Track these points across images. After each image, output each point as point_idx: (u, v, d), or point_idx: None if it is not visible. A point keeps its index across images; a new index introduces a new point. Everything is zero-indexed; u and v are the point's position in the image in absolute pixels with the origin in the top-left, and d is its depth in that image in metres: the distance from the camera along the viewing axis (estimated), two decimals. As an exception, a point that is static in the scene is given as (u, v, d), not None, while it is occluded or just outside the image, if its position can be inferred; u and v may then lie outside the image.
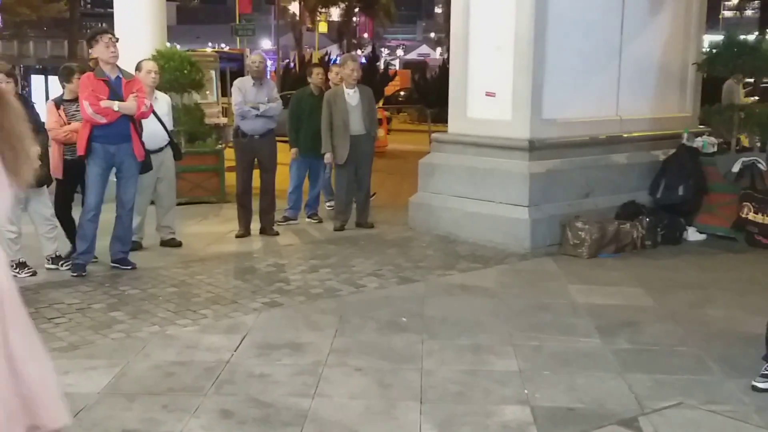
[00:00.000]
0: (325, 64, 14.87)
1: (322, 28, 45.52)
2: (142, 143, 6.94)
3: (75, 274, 6.68)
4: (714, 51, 8.91)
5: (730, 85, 11.82)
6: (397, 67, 41.46)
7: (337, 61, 11.47)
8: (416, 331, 5.45)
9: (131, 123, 6.77)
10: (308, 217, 9.23)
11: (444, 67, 8.49)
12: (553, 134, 8.06)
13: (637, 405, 4.30)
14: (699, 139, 8.73)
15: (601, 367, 4.84)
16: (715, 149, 8.69)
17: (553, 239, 7.75)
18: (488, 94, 8.24)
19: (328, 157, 8.65)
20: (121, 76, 6.77)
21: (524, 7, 7.80)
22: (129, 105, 6.66)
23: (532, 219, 7.74)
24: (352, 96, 8.61)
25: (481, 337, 5.34)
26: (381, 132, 12.86)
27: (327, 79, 9.40)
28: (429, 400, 4.33)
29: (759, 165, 8.12)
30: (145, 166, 7.08)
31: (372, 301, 6.18)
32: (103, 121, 6.59)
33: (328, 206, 9.51)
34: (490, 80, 8.23)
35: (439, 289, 6.52)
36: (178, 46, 14.68)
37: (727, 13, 61.45)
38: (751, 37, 9.33)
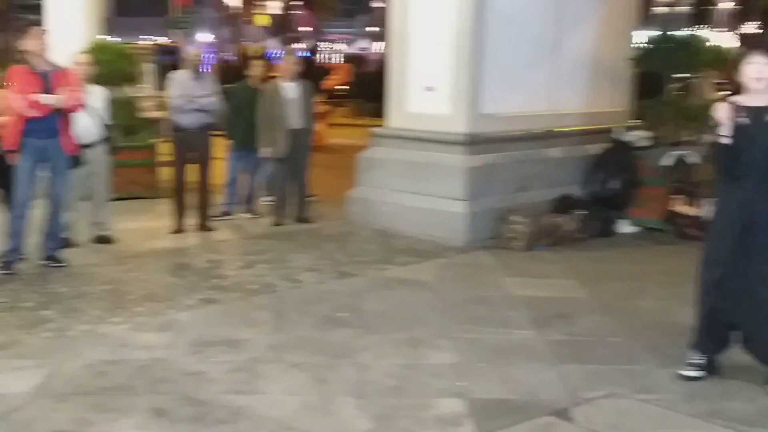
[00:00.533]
0: (264, 57, 14.77)
1: (263, 21, 45.18)
2: (74, 137, 6.79)
3: (3, 272, 6.50)
4: (648, 46, 9.08)
5: (697, 83, 12.11)
6: (338, 61, 41.36)
7: (275, 55, 11.38)
8: (354, 325, 5.45)
9: (62, 117, 6.62)
10: (245, 212, 9.15)
11: (383, 62, 8.52)
12: (491, 129, 8.13)
13: (570, 395, 4.37)
14: (632, 133, 8.89)
15: (535, 359, 4.90)
16: (648, 143, 8.87)
17: (490, 233, 7.82)
18: (427, 89, 8.27)
19: (266, 152, 8.58)
20: (51, 68, 6.61)
21: (464, 2, 7.84)
22: (62, 98, 6.50)
23: (469, 213, 7.80)
24: (290, 90, 8.55)
25: (419, 330, 5.37)
26: (320, 126, 12.81)
27: (266, 73, 9.32)
28: (365, 394, 4.34)
29: (689, 158, 8.32)
30: (78, 161, 6.93)
31: (309, 296, 6.16)
32: (36, 114, 6.43)
33: (266, 201, 9.44)
34: (429, 75, 8.26)
35: (377, 283, 6.53)
36: (118, 39, 14.38)
37: (661, 9, 62.74)
38: (684, 33, 9.53)
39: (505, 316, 5.73)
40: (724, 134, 4.43)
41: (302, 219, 8.77)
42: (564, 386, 4.49)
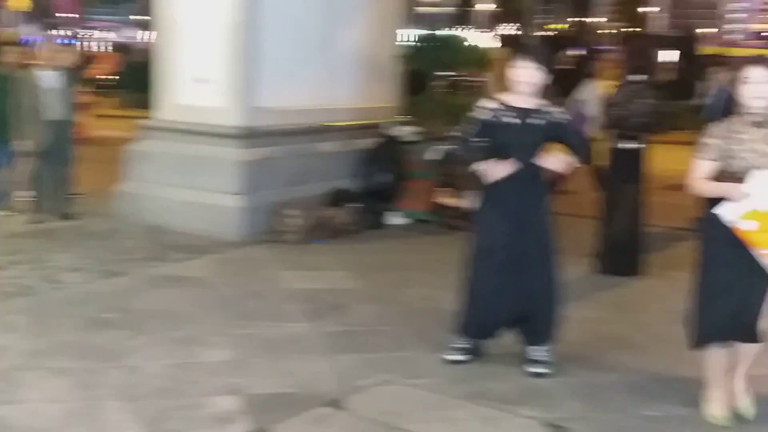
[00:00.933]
0: (20, 43, 13.77)
1: (20, 4, 42.22)
2: None
3: None
4: (414, 44, 9.42)
5: (588, 84, 12.86)
6: (104, 50, 39.56)
7: (33, 42, 10.64)
8: (122, 326, 5.23)
9: None
10: None
11: (152, 51, 8.20)
12: (266, 122, 8.08)
13: (343, 385, 4.45)
14: (401, 128, 9.20)
15: (309, 351, 4.95)
16: (416, 138, 9.21)
17: (266, 227, 7.79)
18: (199, 80, 8.08)
19: (22, 145, 8.01)
20: None
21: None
22: None
23: (244, 207, 7.73)
24: (49, 79, 8.04)
25: (191, 328, 5.25)
26: (84, 118, 12.14)
27: (22, 60, 8.69)
28: (135, 397, 4.18)
29: (454, 153, 8.72)
30: None
31: (73, 297, 5.84)
32: None
33: (23, 197, 8.80)
34: (201, 66, 8.08)
35: (146, 281, 6.31)
36: None
37: (426, 9, 65.43)
38: (447, 33, 9.99)
39: (280, 309, 5.73)
40: (483, 129, 4.67)
41: (65, 216, 8.28)
42: (338, 376, 4.57)
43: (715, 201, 4.04)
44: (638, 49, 7.79)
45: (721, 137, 4.00)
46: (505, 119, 4.62)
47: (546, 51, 4.93)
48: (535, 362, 4.72)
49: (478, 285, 4.76)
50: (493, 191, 4.69)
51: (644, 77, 7.23)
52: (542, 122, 4.61)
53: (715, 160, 3.99)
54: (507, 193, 4.64)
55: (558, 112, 4.72)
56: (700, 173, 4.05)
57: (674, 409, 4.32)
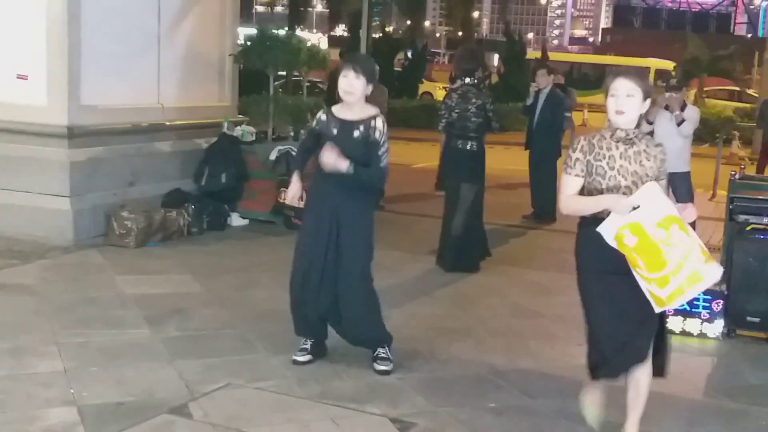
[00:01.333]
0: None
1: None
2: None
3: None
4: (248, 44, 9.31)
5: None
6: None
7: None
8: (-58, 339, 4.87)
9: None
10: None
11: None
12: (94, 121, 7.76)
13: (187, 391, 4.35)
14: (238, 128, 9.08)
15: (150, 357, 4.80)
16: (254, 138, 9.13)
17: (99, 230, 7.49)
18: (20, 77, 7.65)
19: None
20: None
21: (56, -13, 7.38)
22: None
23: (74, 210, 7.40)
24: None
25: (22, 338, 4.97)
26: None
27: None
28: (-40, 415, 3.90)
29: (293, 152, 8.71)
30: None
31: None
32: None
33: None
34: (21, 62, 7.64)
35: (-31, 290, 5.91)
36: None
37: (260, 8, 65.00)
38: (282, 32, 9.93)
39: (118, 316, 5.52)
40: (310, 136, 4.72)
41: None
42: (181, 382, 4.46)
43: (589, 223, 3.70)
44: (469, 52, 8.05)
45: (588, 152, 3.72)
46: (330, 130, 4.69)
47: (368, 59, 5.04)
48: (377, 360, 4.79)
49: (293, 285, 4.83)
50: (312, 196, 4.81)
51: (474, 80, 7.47)
52: (359, 137, 4.65)
53: (580, 175, 3.72)
54: (323, 197, 4.72)
55: (377, 131, 4.66)
56: (569, 189, 3.74)
57: (514, 400, 4.50)
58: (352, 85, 4.61)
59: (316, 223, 4.72)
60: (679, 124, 8.00)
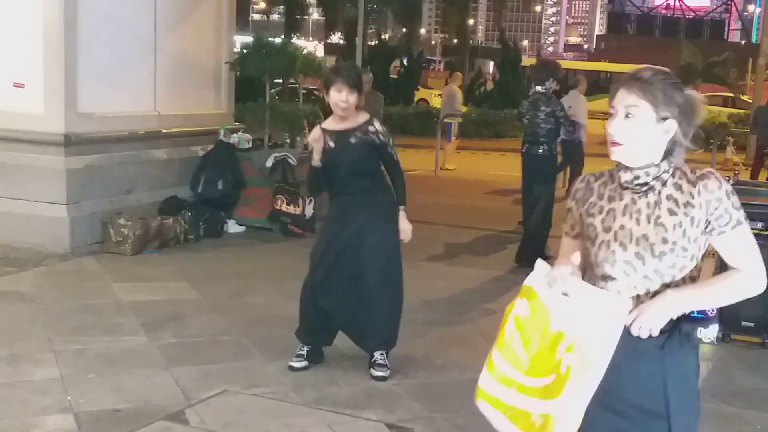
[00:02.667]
0: None
1: None
2: None
3: None
4: (244, 51, 9.34)
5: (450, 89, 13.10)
6: None
7: None
8: (-61, 347, 4.87)
9: None
10: None
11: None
12: (91, 129, 7.77)
13: (183, 398, 4.36)
14: (235, 135, 9.10)
15: (147, 364, 4.81)
16: (250, 145, 9.15)
17: (95, 237, 7.50)
18: (17, 85, 7.67)
19: None
20: None
21: (52, -5, 7.40)
22: None
23: (71, 217, 7.40)
24: None
25: (19, 346, 4.97)
26: None
27: None
28: (-43, 422, 3.91)
29: (289, 159, 8.75)
30: None
31: None
32: None
33: None
34: (18, 70, 7.66)
35: (-35, 298, 5.92)
36: None
37: (256, 16, 65.10)
38: (278, 40, 9.96)
39: (114, 323, 5.53)
40: (315, 158, 4.74)
41: None
42: (177, 389, 4.47)
43: None
44: (542, 63, 8.40)
45: (582, 201, 2.45)
46: (327, 144, 4.72)
47: (354, 68, 5.12)
48: (374, 365, 4.81)
49: (305, 292, 4.85)
50: (331, 205, 4.91)
51: (544, 89, 7.67)
52: (356, 140, 4.71)
53: (570, 234, 2.48)
54: (342, 207, 4.81)
55: (380, 134, 4.74)
56: (561, 251, 2.50)
57: (509, 404, 4.51)
58: (348, 100, 4.67)
59: (331, 237, 4.76)
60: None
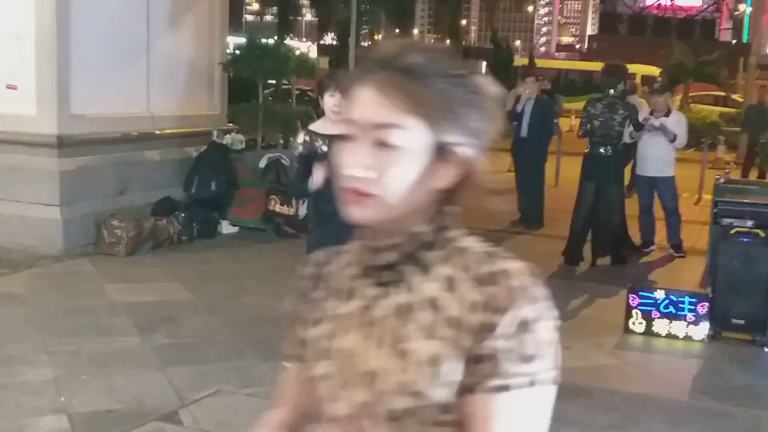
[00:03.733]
0: None
1: None
2: None
3: None
4: (237, 52, 9.36)
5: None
6: None
7: None
8: (-68, 349, 4.88)
9: None
10: None
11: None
12: (84, 130, 7.78)
13: (177, 398, 4.37)
14: (228, 136, 9.12)
15: (140, 365, 4.82)
16: (243, 146, 9.17)
17: (89, 239, 7.51)
18: (9, 87, 7.67)
19: None
20: None
21: (45, -3, 7.41)
22: None
23: (64, 219, 7.41)
24: None
25: (12, 347, 4.98)
26: None
27: None
28: (-49, 423, 3.92)
29: (282, 160, 8.77)
30: None
31: None
32: None
33: None
34: (10, 72, 7.66)
35: (-41, 300, 5.92)
36: None
37: (249, 17, 65.02)
38: (271, 41, 9.99)
39: (108, 324, 5.54)
40: (301, 162, 4.77)
41: None
42: (171, 389, 4.48)
43: None
44: (612, 67, 8.35)
45: (301, 296, 1.45)
46: (318, 148, 4.74)
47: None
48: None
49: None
50: (321, 209, 4.84)
51: (617, 92, 7.79)
52: None
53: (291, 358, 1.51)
54: (333, 211, 4.75)
55: None
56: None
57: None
58: (340, 105, 4.67)
59: (324, 238, 4.76)
60: (672, 140, 8.19)
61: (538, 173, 10.00)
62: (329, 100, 4.69)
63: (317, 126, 4.84)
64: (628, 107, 7.82)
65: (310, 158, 4.77)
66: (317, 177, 4.67)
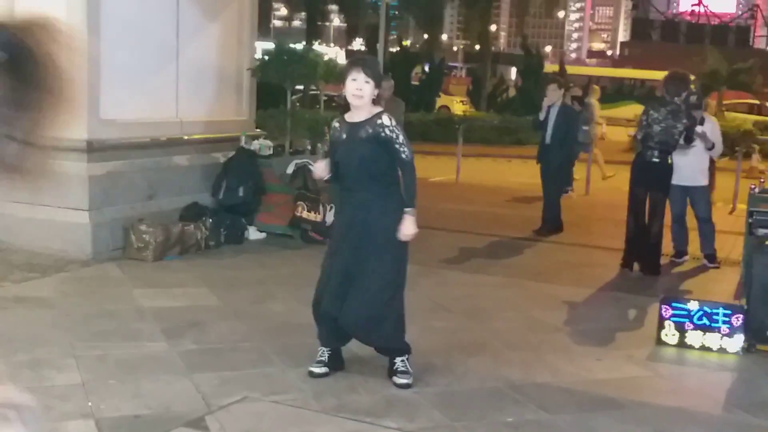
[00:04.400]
0: None
1: None
2: None
3: None
4: (266, 58, 9.37)
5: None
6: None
7: None
8: (-39, 352, 4.90)
9: None
10: None
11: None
12: (113, 135, 7.81)
13: (204, 404, 4.35)
14: (256, 142, 9.12)
15: (167, 370, 4.81)
16: (271, 152, 9.17)
17: (117, 243, 7.53)
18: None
19: None
20: None
21: (75, 1, 7.45)
22: None
23: (93, 223, 7.44)
24: None
25: (40, 351, 4.99)
26: None
27: None
28: (-21, 427, 3.92)
29: (310, 166, 8.74)
30: None
31: None
32: None
33: None
34: (41, 77, 7.71)
35: (-12, 303, 5.95)
36: None
37: (278, 23, 65.35)
38: (300, 47, 9.99)
39: (135, 329, 5.54)
40: (329, 149, 4.75)
41: None
42: (198, 395, 4.46)
43: None
44: (678, 75, 8.14)
45: None
46: (340, 136, 4.71)
47: (374, 62, 5.01)
48: (396, 373, 4.77)
49: (317, 293, 4.86)
50: (339, 204, 4.86)
51: (682, 100, 7.69)
52: (366, 135, 4.62)
53: None
54: (347, 206, 4.76)
55: (386, 128, 4.61)
56: None
57: (531, 415, 4.47)
58: (362, 89, 4.58)
59: (340, 235, 4.74)
60: (709, 149, 8.09)
61: (559, 179, 10.04)
62: (350, 85, 4.59)
63: (347, 115, 4.76)
64: (690, 117, 7.69)
65: (335, 144, 4.75)
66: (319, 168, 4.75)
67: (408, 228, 4.62)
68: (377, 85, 4.63)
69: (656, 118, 7.64)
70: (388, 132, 4.60)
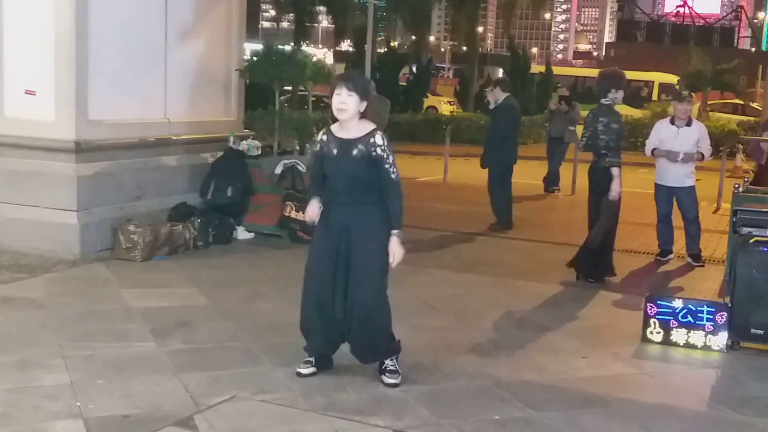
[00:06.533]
0: None
1: None
2: None
3: None
4: (254, 59, 9.38)
5: None
6: None
7: None
8: (-50, 352, 4.90)
9: None
10: None
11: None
12: (101, 136, 7.82)
13: (192, 403, 4.37)
14: (244, 142, 9.13)
15: (156, 370, 4.82)
16: (260, 152, 9.18)
17: (105, 244, 7.54)
18: (28, 92, 7.72)
19: None
20: None
21: (63, 3, 7.44)
22: None
23: (81, 224, 7.44)
24: None
25: (28, 351, 5.00)
26: None
27: None
28: (-33, 427, 3.93)
29: (298, 166, 8.78)
30: None
31: None
32: None
33: None
34: (29, 77, 7.71)
35: (-24, 304, 5.95)
36: None
37: (266, 24, 65.28)
38: (288, 48, 9.99)
39: (124, 329, 5.55)
40: (316, 161, 4.77)
41: None
42: (186, 395, 4.48)
43: None
44: (609, 73, 7.91)
45: None
46: (330, 150, 4.73)
47: (361, 76, 5.07)
48: (385, 372, 4.80)
49: (304, 302, 4.87)
50: (322, 218, 4.85)
51: (608, 100, 7.41)
52: (358, 152, 4.65)
53: None
54: (333, 213, 4.78)
55: (378, 147, 4.65)
56: None
57: (518, 412, 4.51)
58: (345, 102, 4.62)
59: (325, 244, 4.75)
60: (700, 159, 8.21)
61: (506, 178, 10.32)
62: (335, 99, 4.64)
63: (334, 128, 4.79)
64: (609, 113, 7.33)
65: (323, 157, 4.77)
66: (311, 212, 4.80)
67: (396, 251, 4.67)
68: (362, 99, 4.65)
69: (590, 121, 7.45)
70: (380, 151, 4.66)
